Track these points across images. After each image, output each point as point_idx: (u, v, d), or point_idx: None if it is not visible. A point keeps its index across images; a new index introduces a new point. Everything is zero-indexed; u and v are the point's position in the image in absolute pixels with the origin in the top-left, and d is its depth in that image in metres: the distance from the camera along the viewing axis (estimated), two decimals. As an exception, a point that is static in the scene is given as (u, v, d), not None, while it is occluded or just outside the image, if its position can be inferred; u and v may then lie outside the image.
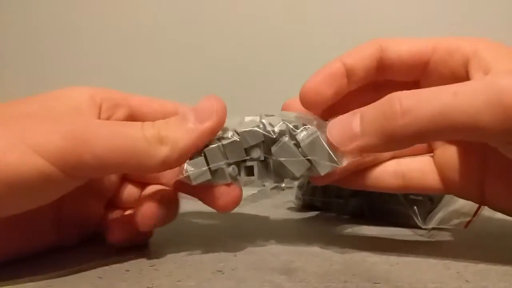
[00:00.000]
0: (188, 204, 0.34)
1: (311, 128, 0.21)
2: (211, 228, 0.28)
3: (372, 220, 0.30)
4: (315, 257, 0.22)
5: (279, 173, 0.22)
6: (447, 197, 0.30)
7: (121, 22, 0.56)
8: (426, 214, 0.28)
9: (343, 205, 0.31)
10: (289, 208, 0.33)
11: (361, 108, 0.20)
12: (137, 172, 0.25)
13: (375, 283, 0.19)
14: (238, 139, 0.21)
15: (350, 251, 0.23)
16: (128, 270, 0.21)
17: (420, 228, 0.27)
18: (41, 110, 0.22)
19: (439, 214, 0.28)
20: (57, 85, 0.24)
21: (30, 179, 0.17)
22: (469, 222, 0.26)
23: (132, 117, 0.25)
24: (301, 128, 0.22)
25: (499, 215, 0.29)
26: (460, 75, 0.21)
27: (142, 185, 0.26)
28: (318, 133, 0.21)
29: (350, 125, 0.20)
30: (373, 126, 0.19)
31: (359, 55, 0.23)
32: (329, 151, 0.21)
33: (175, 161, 0.20)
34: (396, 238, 0.25)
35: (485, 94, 0.17)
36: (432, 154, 0.24)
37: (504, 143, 0.18)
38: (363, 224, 0.28)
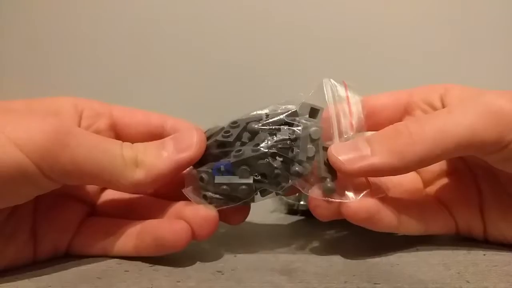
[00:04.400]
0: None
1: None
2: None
3: None
4: (315, 258, 0.22)
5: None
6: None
7: (121, 25, 0.56)
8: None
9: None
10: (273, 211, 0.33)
11: (365, 136, 0.22)
12: (109, 187, 0.24)
13: (375, 283, 0.19)
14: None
15: (350, 252, 0.23)
16: (128, 271, 0.21)
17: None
18: (25, 109, 0.23)
19: None
20: (56, 90, 0.24)
21: (7, 171, 0.17)
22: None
23: (114, 127, 0.25)
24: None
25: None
26: (439, 108, 0.23)
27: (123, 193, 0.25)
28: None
29: (357, 147, 0.21)
30: (383, 146, 0.20)
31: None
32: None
33: (147, 185, 0.21)
34: (396, 239, 0.25)
35: (475, 107, 0.19)
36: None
37: (499, 156, 0.20)
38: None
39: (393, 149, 0.20)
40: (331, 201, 0.21)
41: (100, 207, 0.25)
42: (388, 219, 0.21)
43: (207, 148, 0.22)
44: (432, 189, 0.25)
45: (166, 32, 0.55)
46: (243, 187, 0.21)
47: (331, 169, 0.21)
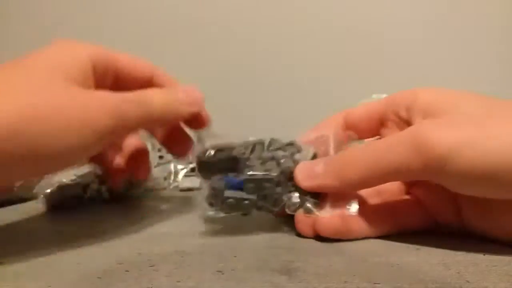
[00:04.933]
0: (187, 205, 0.33)
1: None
2: (210, 229, 0.28)
3: None
4: (315, 258, 0.22)
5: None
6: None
7: (123, 22, 0.56)
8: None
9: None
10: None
11: (325, 158, 0.25)
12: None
13: (375, 283, 0.19)
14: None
15: (350, 251, 0.23)
16: (128, 271, 0.21)
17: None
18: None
19: None
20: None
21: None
22: None
23: (116, 81, 0.29)
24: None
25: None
26: (407, 121, 0.24)
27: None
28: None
29: (314, 168, 0.25)
30: (331, 168, 0.24)
31: (330, 125, 0.28)
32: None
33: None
34: (396, 239, 0.25)
35: (405, 138, 0.21)
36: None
37: (435, 180, 0.21)
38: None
39: (337, 172, 0.23)
40: (310, 217, 0.25)
41: None
42: (358, 229, 0.24)
43: (217, 160, 0.26)
44: (414, 190, 0.27)
45: (167, 34, 0.56)
46: (247, 202, 0.25)
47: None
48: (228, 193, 0.25)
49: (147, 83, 0.30)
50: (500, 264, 0.20)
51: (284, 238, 0.25)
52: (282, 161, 0.26)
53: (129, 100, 0.25)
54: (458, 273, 0.19)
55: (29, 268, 0.21)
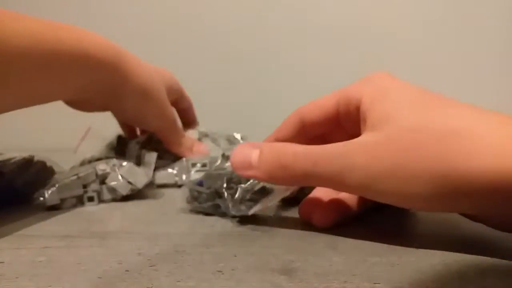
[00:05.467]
0: (184, 205, 0.33)
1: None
2: (210, 228, 0.28)
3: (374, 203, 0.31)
4: (315, 257, 0.22)
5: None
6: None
7: (125, 22, 0.56)
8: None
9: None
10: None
11: (262, 145, 0.26)
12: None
13: (375, 283, 0.19)
14: None
15: (350, 251, 0.23)
16: (128, 270, 0.21)
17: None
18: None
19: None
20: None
21: None
22: None
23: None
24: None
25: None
26: (357, 119, 0.25)
27: None
28: None
29: (249, 155, 0.25)
30: (269, 160, 0.25)
31: (286, 129, 0.28)
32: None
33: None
34: (396, 238, 0.25)
35: (337, 163, 0.22)
36: None
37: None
38: (364, 223, 0.28)
39: (271, 173, 0.24)
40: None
41: None
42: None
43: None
44: None
45: (167, 33, 0.55)
46: (204, 195, 0.30)
47: None
48: (193, 187, 0.31)
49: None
50: (500, 264, 0.20)
51: (283, 238, 0.25)
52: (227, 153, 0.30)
53: None
54: (458, 273, 0.20)
55: (29, 268, 0.21)
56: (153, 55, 0.55)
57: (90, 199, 0.34)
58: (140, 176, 0.36)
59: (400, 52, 0.57)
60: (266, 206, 0.28)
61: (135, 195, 0.38)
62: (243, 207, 0.28)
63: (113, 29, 0.57)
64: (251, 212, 0.27)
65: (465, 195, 0.19)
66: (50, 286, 0.19)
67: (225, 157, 0.35)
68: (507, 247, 0.23)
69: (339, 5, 0.57)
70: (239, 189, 0.28)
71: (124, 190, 0.35)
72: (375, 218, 0.30)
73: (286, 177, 0.24)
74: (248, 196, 0.28)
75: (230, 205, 0.28)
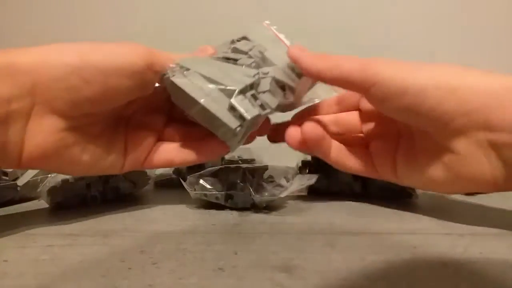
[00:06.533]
0: (186, 204, 0.34)
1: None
2: (212, 227, 0.28)
3: (373, 200, 0.34)
4: (314, 255, 0.22)
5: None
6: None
7: (122, 22, 0.56)
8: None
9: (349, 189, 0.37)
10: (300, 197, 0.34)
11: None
12: None
13: (373, 280, 0.19)
14: None
15: (349, 250, 0.23)
16: (131, 268, 0.21)
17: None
18: None
19: None
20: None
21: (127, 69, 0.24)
22: None
23: None
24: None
25: (497, 215, 0.29)
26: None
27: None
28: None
29: (304, 49, 0.27)
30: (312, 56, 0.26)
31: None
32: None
33: None
34: (395, 238, 0.25)
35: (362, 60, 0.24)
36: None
37: (368, 96, 0.25)
38: (363, 222, 0.29)
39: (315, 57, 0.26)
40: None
41: (165, 135, 0.30)
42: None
43: None
44: (368, 141, 0.30)
45: (166, 33, 0.56)
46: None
47: None
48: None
49: None
50: (496, 263, 0.21)
51: (283, 237, 0.26)
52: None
53: None
54: (455, 271, 0.20)
55: (33, 266, 0.22)
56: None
57: (94, 198, 0.35)
58: None
59: (400, 52, 0.57)
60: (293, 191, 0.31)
61: (136, 195, 0.38)
62: (266, 194, 0.31)
63: (113, 30, 0.57)
64: (282, 195, 0.31)
65: None
66: (53, 284, 0.19)
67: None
68: (503, 247, 0.23)
69: (339, 5, 0.57)
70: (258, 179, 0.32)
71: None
72: (375, 217, 0.30)
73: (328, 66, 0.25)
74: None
75: (253, 193, 0.31)
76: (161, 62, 0.26)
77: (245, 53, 0.28)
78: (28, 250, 0.24)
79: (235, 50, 0.28)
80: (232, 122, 0.24)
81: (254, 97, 0.26)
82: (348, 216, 0.31)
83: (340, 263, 0.21)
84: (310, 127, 0.26)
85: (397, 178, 0.27)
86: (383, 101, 0.24)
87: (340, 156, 0.28)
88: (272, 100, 0.26)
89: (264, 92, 0.26)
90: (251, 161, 0.40)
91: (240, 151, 0.43)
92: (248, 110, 0.25)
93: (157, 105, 0.31)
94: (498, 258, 0.21)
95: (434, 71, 0.24)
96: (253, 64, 0.27)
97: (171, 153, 0.29)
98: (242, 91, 0.25)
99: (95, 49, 0.25)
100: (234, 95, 0.25)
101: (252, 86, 0.26)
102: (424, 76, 0.23)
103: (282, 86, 0.27)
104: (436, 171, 0.24)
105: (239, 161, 0.40)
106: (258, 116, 0.25)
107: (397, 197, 0.35)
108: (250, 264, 0.21)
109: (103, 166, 0.27)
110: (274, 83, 0.27)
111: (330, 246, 0.24)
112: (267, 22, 0.31)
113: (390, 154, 0.28)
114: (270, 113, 0.26)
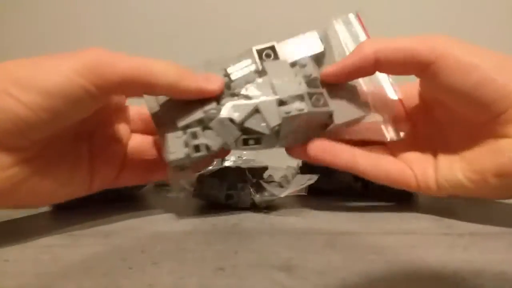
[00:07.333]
0: (186, 204, 0.34)
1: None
2: (212, 226, 0.28)
3: (375, 200, 0.34)
4: (314, 254, 0.22)
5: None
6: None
7: (120, 22, 0.56)
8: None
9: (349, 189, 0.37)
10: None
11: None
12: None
13: (373, 280, 0.19)
14: None
15: (349, 249, 0.23)
16: (131, 268, 0.21)
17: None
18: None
19: None
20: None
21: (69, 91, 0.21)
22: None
23: None
24: None
25: (497, 215, 0.29)
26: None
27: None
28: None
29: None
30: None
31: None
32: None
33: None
34: (395, 237, 0.25)
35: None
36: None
37: (427, 75, 0.24)
38: (363, 222, 0.29)
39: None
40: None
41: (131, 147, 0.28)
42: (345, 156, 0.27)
43: None
44: (396, 152, 0.29)
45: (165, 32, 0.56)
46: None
47: None
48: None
49: None
50: (494, 263, 0.21)
51: (283, 236, 0.26)
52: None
53: None
54: (454, 271, 0.20)
55: (34, 266, 0.22)
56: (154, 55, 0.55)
57: (94, 198, 0.35)
58: None
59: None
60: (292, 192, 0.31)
61: (136, 195, 0.38)
62: (266, 194, 0.32)
63: (113, 29, 0.57)
64: (282, 195, 0.31)
65: None
66: (53, 283, 0.19)
67: None
68: (503, 246, 0.23)
69: (339, 5, 0.57)
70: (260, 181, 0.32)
71: None
72: (375, 217, 0.30)
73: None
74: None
75: (253, 193, 0.31)
76: (109, 72, 0.22)
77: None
78: (29, 250, 0.24)
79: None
80: (170, 154, 0.25)
81: (194, 135, 0.25)
82: (348, 216, 0.31)
83: (340, 263, 0.21)
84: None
85: (437, 180, 0.27)
86: (448, 76, 0.22)
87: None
88: (213, 141, 0.25)
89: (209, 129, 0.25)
90: (251, 161, 0.40)
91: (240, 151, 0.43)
92: (174, 151, 0.25)
93: (124, 114, 0.28)
94: (498, 258, 0.21)
95: (498, 53, 0.23)
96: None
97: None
98: (184, 128, 0.25)
99: (28, 68, 0.21)
100: (172, 131, 0.25)
101: (201, 121, 0.25)
102: (493, 54, 0.23)
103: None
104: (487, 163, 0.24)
105: (239, 161, 0.40)
106: (183, 159, 0.25)
107: (397, 197, 0.35)
108: (250, 263, 0.21)
109: (68, 191, 0.25)
110: (228, 121, 0.25)
111: (330, 246, 0.24)
112: (352, 14, 0.31)
113: (428, 156, 0.27)
114: (208, 155, 0.25)
